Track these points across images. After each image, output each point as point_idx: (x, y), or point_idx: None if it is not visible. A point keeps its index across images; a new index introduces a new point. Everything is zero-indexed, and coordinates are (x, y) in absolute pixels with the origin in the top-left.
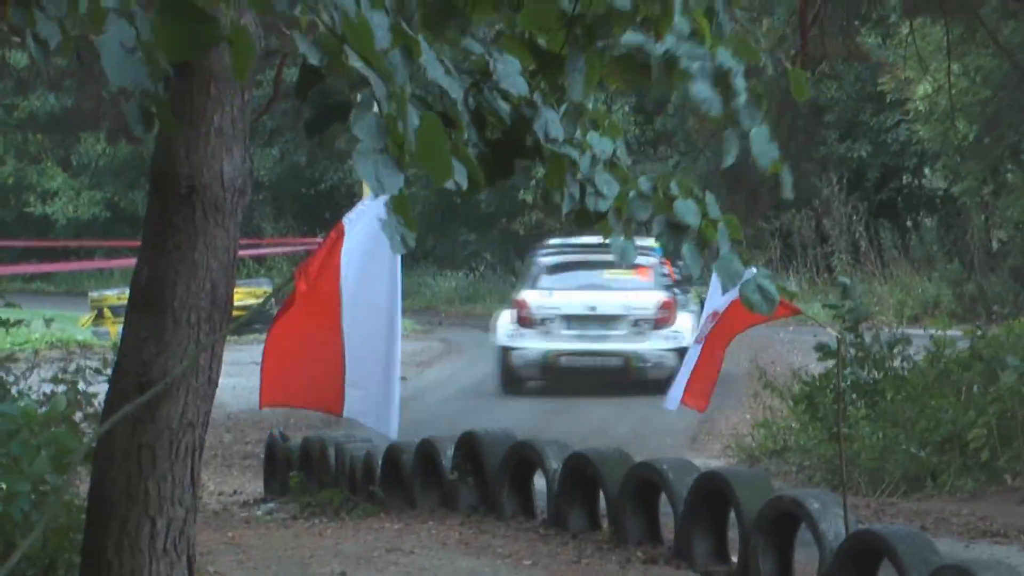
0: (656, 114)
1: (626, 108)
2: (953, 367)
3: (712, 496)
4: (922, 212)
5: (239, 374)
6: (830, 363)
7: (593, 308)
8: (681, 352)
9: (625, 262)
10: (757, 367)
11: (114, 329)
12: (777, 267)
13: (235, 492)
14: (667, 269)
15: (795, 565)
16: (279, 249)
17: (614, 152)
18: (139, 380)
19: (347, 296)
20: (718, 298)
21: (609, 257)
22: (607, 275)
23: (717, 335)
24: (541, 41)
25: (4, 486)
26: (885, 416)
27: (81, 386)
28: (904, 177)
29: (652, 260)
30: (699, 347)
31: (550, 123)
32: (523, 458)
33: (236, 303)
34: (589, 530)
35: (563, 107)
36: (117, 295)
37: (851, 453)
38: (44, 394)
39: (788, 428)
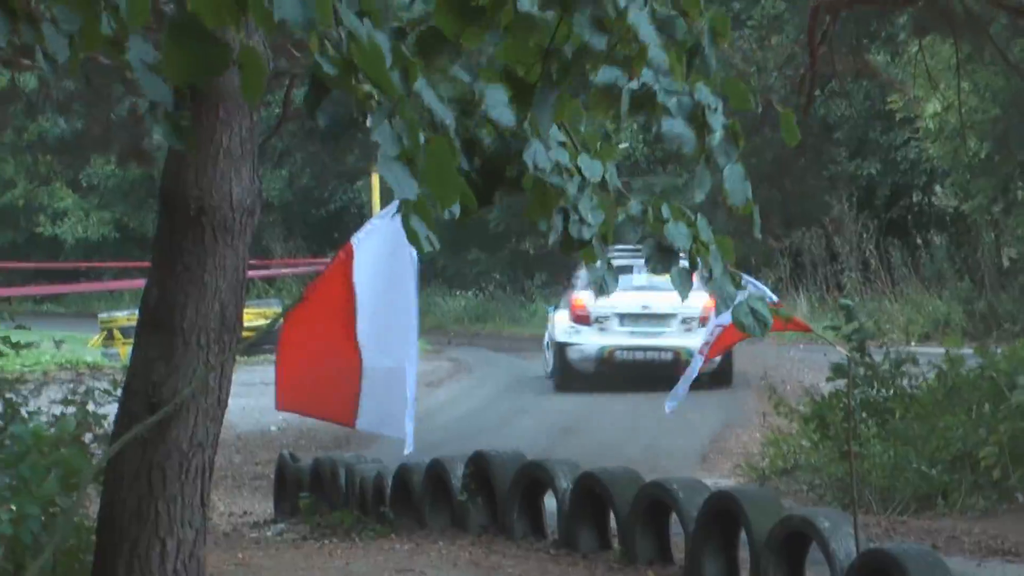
0: None
1: (635, 126)
2: (963, 385)
3: (723, 515)
4: (932, 230)
5: (249, 395)
6: (840, 382)
7: (646, 307)
8: None
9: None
10: (767, 386)
11: (124, 350)
12: (787, 285)
13: (245, 513)
14: None
15: None
16: (289, 270)
17: (603, 175)
18: (149, 401)
19: (362, 311)
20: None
21: None
22: (658, 277)
23: (716, 344)
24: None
25: (14, 508)
26: (895, 434)
27: (91, 407)
28: (914, 195)
29: None
30: (701, 358)
31: (538, 153)
32: (533, 478)
33: (246, 324)
34: (600, 550)
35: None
36: (127, 316)
37: (862, 471)
38: (54, 416)
39: (799, 447)
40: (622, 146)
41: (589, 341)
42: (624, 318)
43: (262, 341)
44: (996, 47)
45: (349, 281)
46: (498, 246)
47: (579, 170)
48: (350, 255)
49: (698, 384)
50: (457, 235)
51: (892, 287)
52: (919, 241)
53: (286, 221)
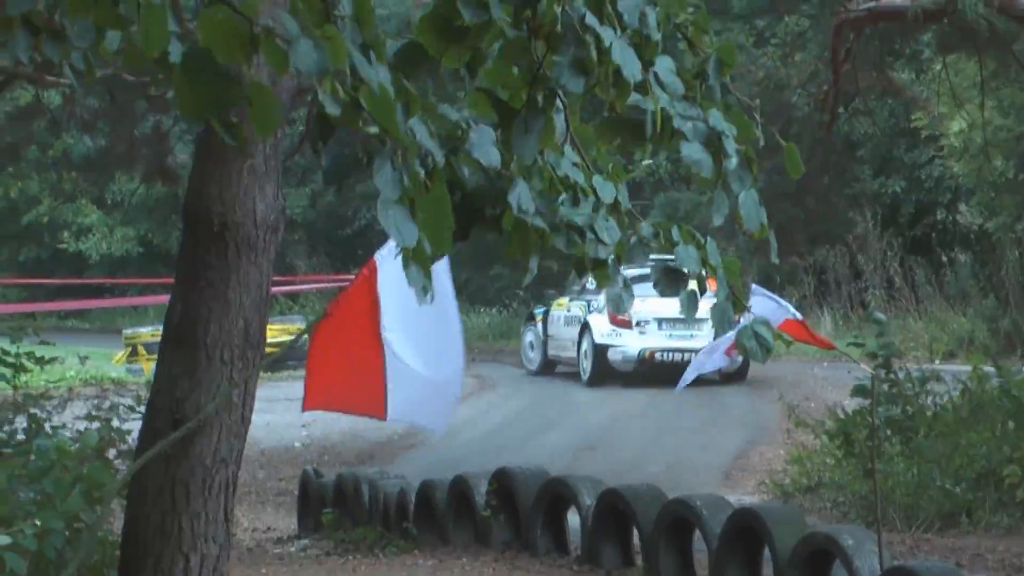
0: None
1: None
2: (987, 402)
3: (746, 532)
4: (956, 248)
5: (272, 411)
6: (864, 399)
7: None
8: None
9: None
10: (785, 405)
11: (148, 366)
12: (811, 303)
13: (268, 529)
14: None
15: None
16: (312, 286)
17: (616, 197)
18: (173, 417)
19: (386, 316)
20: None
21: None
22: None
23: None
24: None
25: (38, 522)
26: (919, 452)
27: (115, 423)
28: (938, 213)
29: None
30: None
31: (522, 195)
32: (556, 494)
33: (269, 340)
34: (623, 567)
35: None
36: (151, 332)
37: (886, 489)
38: (78, 431)
39: (822, 464)
40: (645, 163)
41: (630, 343)
42: (663, 322)
43: (286, 357)
44: (1021, 65)
45: (374, 291)
46: (520, 262)
47: (594, 191)
48: (374, 271)
49: (721, 398)
50: (478, 251)
51: (916, 305)
52: (943, 259)
53: (310, 239)
